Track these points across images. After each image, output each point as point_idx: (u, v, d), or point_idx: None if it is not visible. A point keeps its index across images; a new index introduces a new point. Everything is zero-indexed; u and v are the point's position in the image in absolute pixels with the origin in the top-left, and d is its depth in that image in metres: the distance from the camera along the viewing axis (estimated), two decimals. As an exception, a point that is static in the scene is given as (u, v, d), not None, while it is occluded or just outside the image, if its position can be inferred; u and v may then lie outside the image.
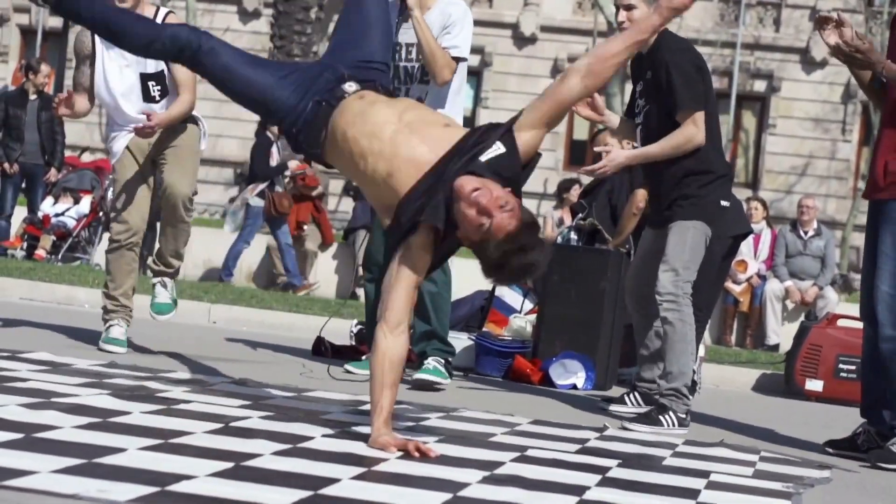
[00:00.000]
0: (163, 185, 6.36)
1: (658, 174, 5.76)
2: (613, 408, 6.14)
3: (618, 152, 5.82)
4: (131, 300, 6.46)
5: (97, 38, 6.22)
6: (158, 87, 6.35)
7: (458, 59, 6.16)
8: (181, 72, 6.32)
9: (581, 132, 28.25)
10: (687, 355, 5.58)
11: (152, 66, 6.31)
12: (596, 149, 5.96)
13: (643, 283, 5.88)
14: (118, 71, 6.30)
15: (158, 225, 6.59)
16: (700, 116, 5.65)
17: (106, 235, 14.35)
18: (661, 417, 5.49)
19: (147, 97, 6.34)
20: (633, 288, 6.01)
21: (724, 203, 5.76)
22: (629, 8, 5.68)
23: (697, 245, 5.67)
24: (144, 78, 6.32)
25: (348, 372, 6.29)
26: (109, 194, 14.16)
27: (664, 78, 5.66)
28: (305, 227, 14.82)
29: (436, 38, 6.09)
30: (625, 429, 5.37)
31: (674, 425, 5.47)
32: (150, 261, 6.63)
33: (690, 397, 5.61)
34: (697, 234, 5.66)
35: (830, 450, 5.30)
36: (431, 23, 6.14)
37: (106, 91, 6.33)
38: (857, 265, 26.77)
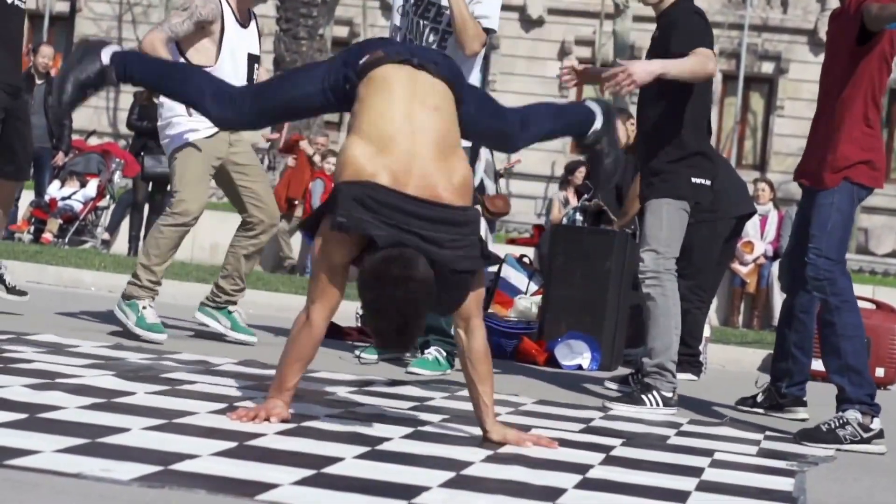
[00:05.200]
0: (258, 195, 6.34)
1: (648, 151, 5.78)
2: (609, 384, 6.18)
3: (636, 64, 5.43)
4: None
5: (227, 15, 6.21)
6: (258, 71, 6.33)
7: (487, 31, 5.99)
8: None
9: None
10: (670, 330, 5.55)
11: (256, 46, 6.29)
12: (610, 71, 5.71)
13: None
14: (232, 54, 6.22)
15: (240, 248, 6.39)
16: (711, 54, 5.51)
17: (105, 214, 14.41)
18: (643, 397, 5.44)
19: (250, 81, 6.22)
20: None
21: (696, 180, 5.66)
22: None
23: (674, 221, 5.63)
24: (251, 59, 6.28)
25: (359, 358, 6.23)
26: (116, 178, 14.20)
27: (671, 34, 5.59)
28: (297, 202, 14.71)
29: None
30: (606, 408, 5.34)
31: (658, 405, 5.42)
32: (224, 284, 6.42)
33: (676, 375, 5.58)
34: (672, 210, 5.62)
35: (741, 407, 5.87)
36: None
37: (230, 70, 6.13)
38: (864, 246, 26.75)
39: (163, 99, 6.05)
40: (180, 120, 6.16)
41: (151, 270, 6.13)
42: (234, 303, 6.50)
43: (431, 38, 6.04)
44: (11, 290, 6.70)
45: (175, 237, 6.16)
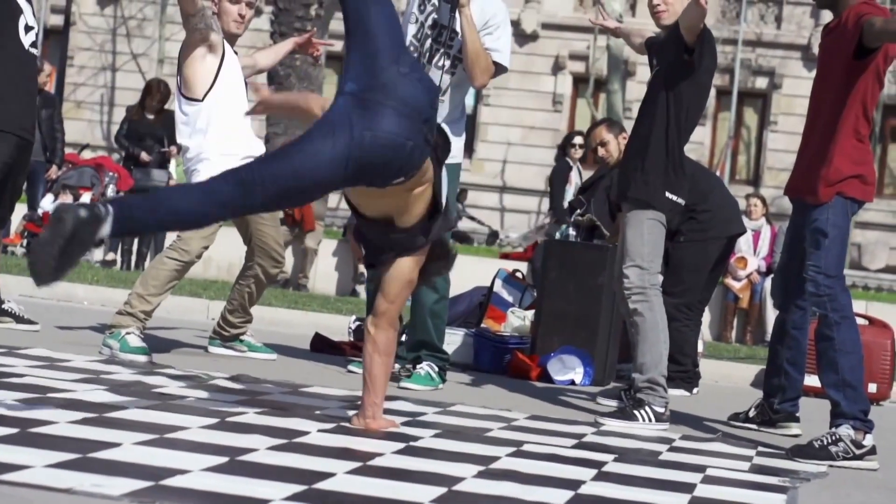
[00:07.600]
0: (268, 244, 6.43)
1: (632, 159, 5.82)
2: (601, 400, 6.18)
3: None
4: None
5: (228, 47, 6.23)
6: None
7: (497, 65, 6.00)
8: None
9: (581, 129, 28.24)
10: (659, 344, 5.54)
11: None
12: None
13: None
14: (230, 75, 6.23)
15: (251, 281, 6.46)
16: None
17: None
18: (636, 412, 5.43)
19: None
20: None
21: (670, 196, 5.66)
22: None
23: (655, 235, 5.64)
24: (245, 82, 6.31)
25: (351, 372, 6.22)
26: (110, 191, 14.16)
27: (673, 32, 5.58)
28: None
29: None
30: (598, 423, 5.32)
31: (650, 420, 5.41)
32: (232, 318, 6.52)
33: (667, 390, 5.58)
34: (652, 224, 5.63)
35: (734, 423, 5.88)
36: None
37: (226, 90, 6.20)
38: (858, 262, 26.79)
39: (190, 133, 6.16)
40: (209, 155, 6.12)
41: (146, 300, 6.05)
42: (244, 333, 6.59)
43: (443, 62, 6.02)
44: (21, 319, 6.74)
45: (175, 271, 6.11)
